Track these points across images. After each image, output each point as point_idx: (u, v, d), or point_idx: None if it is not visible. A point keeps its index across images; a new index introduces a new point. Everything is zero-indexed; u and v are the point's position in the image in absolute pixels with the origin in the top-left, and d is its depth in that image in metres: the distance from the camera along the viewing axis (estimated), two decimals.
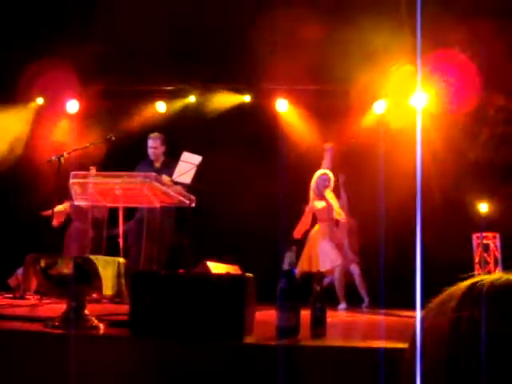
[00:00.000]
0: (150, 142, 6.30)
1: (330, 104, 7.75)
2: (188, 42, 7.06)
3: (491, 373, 0.61)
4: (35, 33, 7.00)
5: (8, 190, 7.59)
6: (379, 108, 8.22)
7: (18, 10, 6.91)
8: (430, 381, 0.65)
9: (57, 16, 6.92)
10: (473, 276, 0.72)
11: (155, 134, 6.36)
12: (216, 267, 4.34)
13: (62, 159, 5.43)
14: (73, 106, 8.37)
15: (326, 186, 6.54)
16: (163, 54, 7.13)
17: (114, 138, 5.90)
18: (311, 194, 6.59)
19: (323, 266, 6.22)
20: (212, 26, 6.78)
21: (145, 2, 6.57)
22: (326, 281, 6.33)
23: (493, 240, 7.52)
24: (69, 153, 5.58)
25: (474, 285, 0.68)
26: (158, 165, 6.28)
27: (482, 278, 0.71)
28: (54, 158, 5.49)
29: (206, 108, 8.34)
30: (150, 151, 6.29)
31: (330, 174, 6.57)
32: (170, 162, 6.10)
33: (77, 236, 6.21)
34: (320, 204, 6.55)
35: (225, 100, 8.34)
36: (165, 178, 5.65)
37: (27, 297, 5.44)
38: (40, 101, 8.34)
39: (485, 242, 7.52)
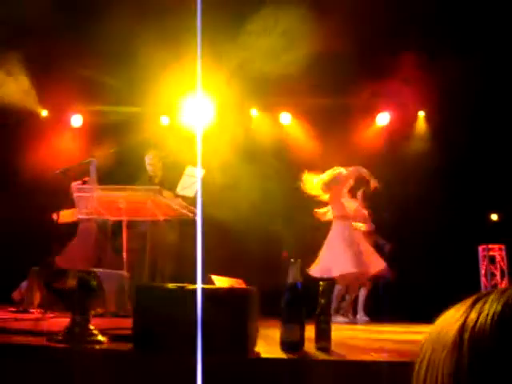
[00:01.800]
0: (147, 159, 6.38)
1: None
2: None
3: None
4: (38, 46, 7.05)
5: (11, 204, 7.60)
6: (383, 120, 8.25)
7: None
8: None
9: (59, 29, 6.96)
10: (478, 290, 0.70)
11: (152, 150, 6.43)
12: (220, 281, 4.33)
13: (66, 172, 5.45)
14: (77, 120, 8.45)
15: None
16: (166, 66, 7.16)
17: (112, 151, 5.94)
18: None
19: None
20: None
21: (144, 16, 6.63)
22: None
23: (499, 252, 7.49)
24: (73, 166, 5.60)
25: (477, 299, 0.67)
26: (157, 180, 6.32)
27: (486, 292, 0.69)
28: (58, 171, 5.51)
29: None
30: (149, 168, 6.37)
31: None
32: (168, 178, 6.17)
33: (82, 247, 6.21)
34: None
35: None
36: (166, 192, 5.67)
37: (31, 310, 5.44)
38: (44, 113, 8.41)
39: (491, 253, 7.50)
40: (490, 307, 0.61)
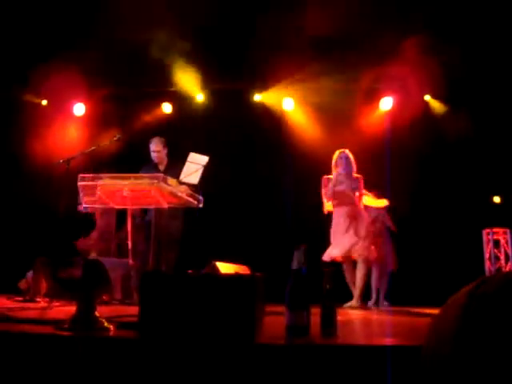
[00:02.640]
0: (152, 146, 6.32)
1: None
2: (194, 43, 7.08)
3: (493, 365, 0.60)
4: (41, 36, 7.04)
5: (18, 193, 7.62)
6: (386, 104, 8.21)
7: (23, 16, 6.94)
8: (440, 376, 0.64)
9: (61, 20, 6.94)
10: (482, 274, 0.71)
11: (156, 138, 6.37)
12: (225, 267, 4.33)
13: (69, 162, 5.45)
14: (79, 108, 8.44)
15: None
16: (168, 55, 7.14)
17: (115, 139, 5.89)
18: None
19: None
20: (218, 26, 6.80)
21: (150, 4, 6.59)
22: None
23: (503, 235, 7.48)
24: (76, 155, 5.59)
25: (480, 284, 0.68)
26: (162, 167, 6.28)
27: (487, 276, 0.70)
28: (61, 160, 5.50)
29: (212, 108, 8.37)
30: (153, 155, 6.31)
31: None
32: (174, 164, 6.11)
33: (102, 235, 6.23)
34: None
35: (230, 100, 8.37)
36: (171, 180, 5.66)
37: (37, 299, 5.46)
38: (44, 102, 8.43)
39: (495, 237, 7.49)
40: (494, 278, 0.64)
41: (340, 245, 6.24)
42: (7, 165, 7.85)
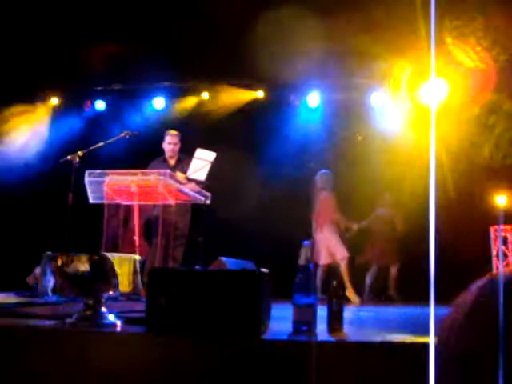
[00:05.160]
0: (169, 139, 6.28)
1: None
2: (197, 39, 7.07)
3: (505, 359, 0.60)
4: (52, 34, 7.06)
5: (24, 188, 7.64)
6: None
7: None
8: (451, 371, 0.65)
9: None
10: (490, 270, 0.71)
11: (174, 131, 6.35)
12: (232, 263, 4.34)
13: (77, 158, 5.46)
14: (90, 105, 8.53)
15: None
16: (174, 51, 7.15)
17: (128, 136, 5.90)
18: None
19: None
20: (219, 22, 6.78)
21: None
22: None
23: (511, 233, 7.44)
24: (84, 152, 5.60)
25: (491, 279, 0.68)
26: (172, 162, 6.27)
27: (498, 271, 0.70)
28: (69, 157, 5.52)
29: (218, 105, 8.37)
30: (169, 147, 6.26)
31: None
32: (184, 160, 6.11)
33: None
34: None
35: (237, 96, 8.37)
36: (179, 174, 5.66)
37: (44, 295, 5.48)
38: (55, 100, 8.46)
39: (503, 234, 7.45)
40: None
41: None
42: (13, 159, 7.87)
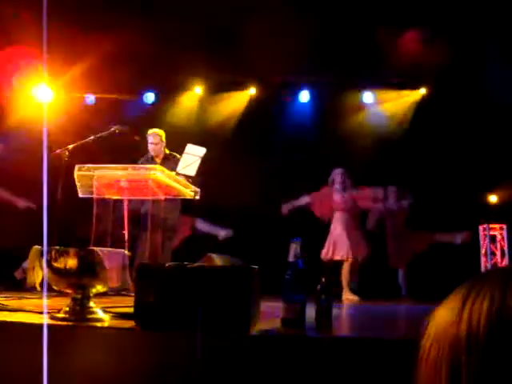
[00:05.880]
0: (150, 138, 6.30)
1: None
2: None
3: (492, 367, 0.60)
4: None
5: (14, 182, 7.59)
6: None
7: None
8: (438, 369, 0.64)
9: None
10: (478, 269, 0.70)
11: (154, 130, 6.35)
12: (220, 259, 4.33)
13: (66, 152, 5.42)
14: (91, 99, 8.54)
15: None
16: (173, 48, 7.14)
17: (117, 131, 5.86)
18: None
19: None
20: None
21: None
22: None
23: (500, 231, 7.48)
24: (73, 146, 5.56)
25: (476, 278, 0.67)
26: (158, 160, 6.27)
27: (485, 271, 0.70)
28: (58, 150, 5.48)
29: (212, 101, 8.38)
30: (151, 147, 6.29)
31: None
32: (171, 157, 6.12)
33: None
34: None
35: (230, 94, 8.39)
36: (168, 172, 5.64)
37: (32, 289, 5.44)
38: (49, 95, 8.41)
39: (491, 233, 7.49)
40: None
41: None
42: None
